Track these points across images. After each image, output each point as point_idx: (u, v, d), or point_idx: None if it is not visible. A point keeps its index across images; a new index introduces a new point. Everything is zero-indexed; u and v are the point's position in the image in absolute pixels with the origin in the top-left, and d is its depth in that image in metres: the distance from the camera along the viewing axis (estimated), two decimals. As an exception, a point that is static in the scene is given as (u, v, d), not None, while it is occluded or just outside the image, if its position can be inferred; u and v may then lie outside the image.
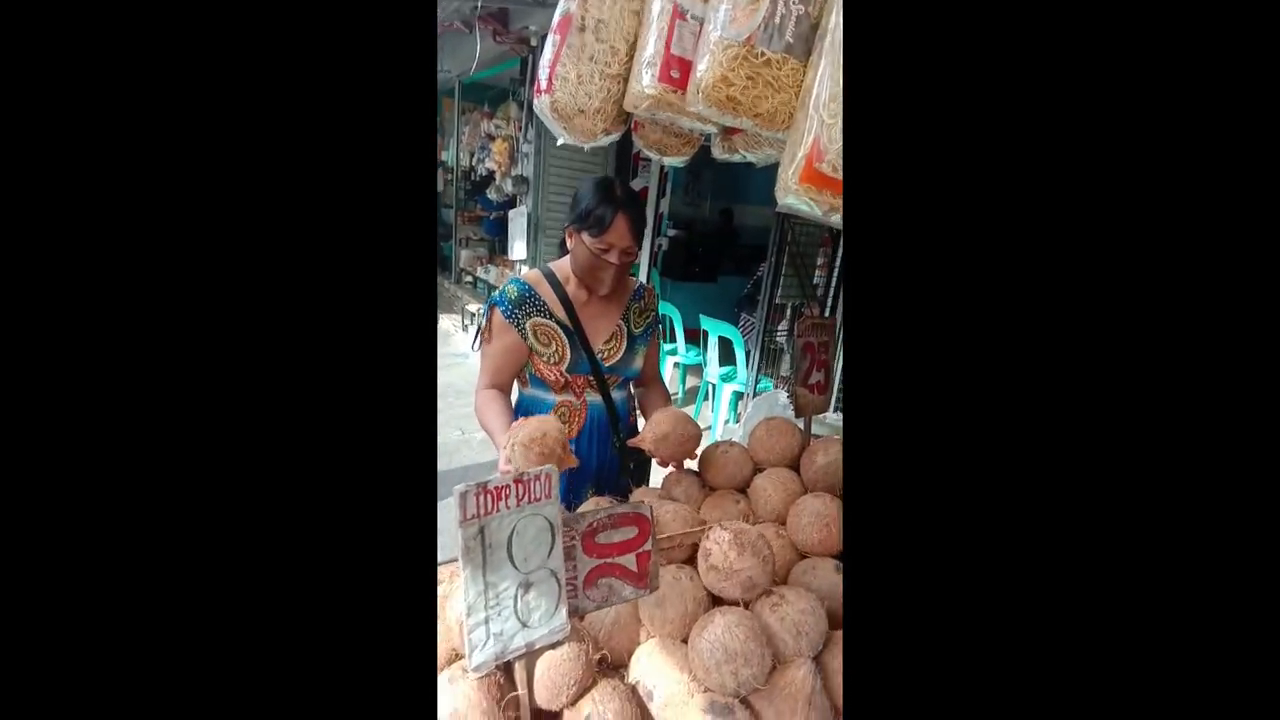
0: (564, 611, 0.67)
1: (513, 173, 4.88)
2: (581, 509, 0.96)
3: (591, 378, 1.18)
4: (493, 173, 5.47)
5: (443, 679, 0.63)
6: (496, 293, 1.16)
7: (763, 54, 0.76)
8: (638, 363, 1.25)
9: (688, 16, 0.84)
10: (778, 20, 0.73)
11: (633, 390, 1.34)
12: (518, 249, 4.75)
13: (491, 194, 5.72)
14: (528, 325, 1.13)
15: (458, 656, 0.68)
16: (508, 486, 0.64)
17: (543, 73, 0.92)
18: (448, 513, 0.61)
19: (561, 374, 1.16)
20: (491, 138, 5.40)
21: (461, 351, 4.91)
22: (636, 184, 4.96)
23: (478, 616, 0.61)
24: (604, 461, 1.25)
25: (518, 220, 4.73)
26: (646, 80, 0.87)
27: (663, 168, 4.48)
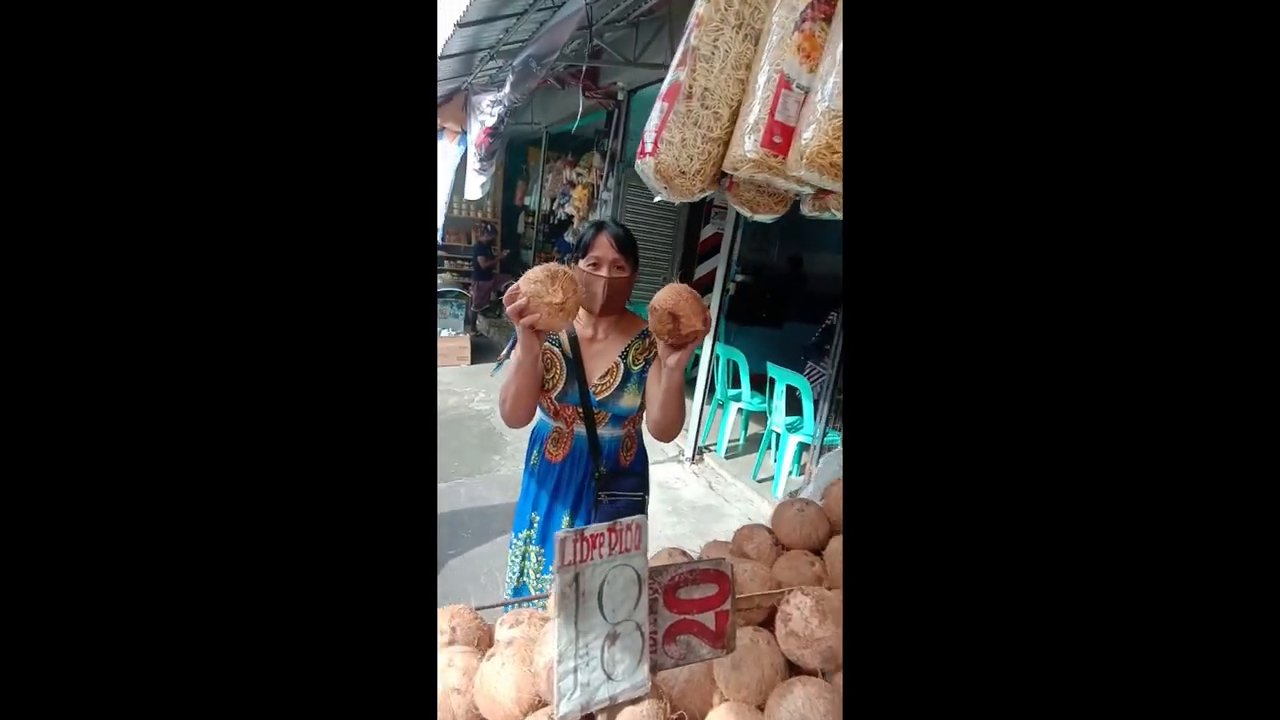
0: (646, 667, 0.66)
1: (590, 218, 5.09)
2: (657, 560, 0.96)
3: (580, 409, 1.22)
4: (571, 217, 5.73)
5: (527, 724, 0.64)
6: None
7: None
8: (629, 400, 1.23)
9: (793, 86, 0.87)
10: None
11: (639, 427, 1.32)
12: (590, 290, 4.90)
13: (569, 237, 5.97)
14: (546, 349, 1.21)
15: (542, 703, 0.68)
16: (601, 534, 0.66)
17: (648, 137, 0.98)
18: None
19: (552, 401, 1.22)
20: (572, 184, 5.68)
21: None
22: (707, 231, 5.06)
23: (567, 665, 0.61)
24: (581, 492, 1.27)
25: (592, 262, 4.90)
26: (749, 145, 0.90)
27: (737, 215, 4.55)
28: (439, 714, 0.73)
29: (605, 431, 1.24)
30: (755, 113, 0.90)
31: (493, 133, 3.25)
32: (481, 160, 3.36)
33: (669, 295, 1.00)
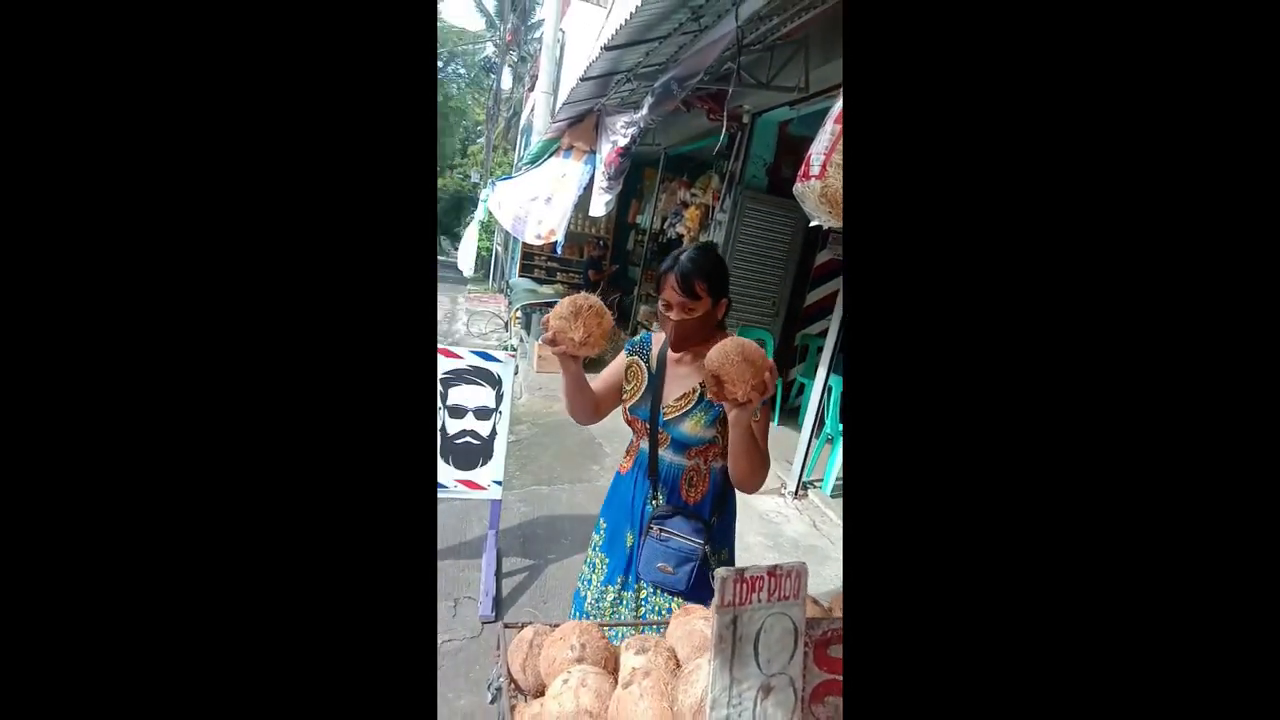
0: (799, 729, 0.61)
1: (701, 238, 5.10)
2: (811, 613, 0.89)
3: (647, 425, 1.20)
4: (681, 236, 5.77)
5: (669, 767, 0.60)
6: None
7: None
8: (692, 429, 1.16)
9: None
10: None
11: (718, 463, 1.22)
12: (697, 310, 4.90)
13: (678, 256, 6.02)
14: (629, 362, 1.25)
15: (682, 745, 0.65)
16: (761, 577, 0.62)
17: (815, 160, 0.94)
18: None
19: (626, 410, 1.24)
20: (685, 205, 5.73)
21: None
22: (823, 256, 4.90)
23: (720, 713, 0.58)
24: (641, 508, 1.23)
25: (701, 283, 4.90)
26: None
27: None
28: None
29: (666, 455, 1.20)
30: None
31: (623, 152, 3.35)
32: (609, 179, 3.47)
33: (716, 355, 0.93)
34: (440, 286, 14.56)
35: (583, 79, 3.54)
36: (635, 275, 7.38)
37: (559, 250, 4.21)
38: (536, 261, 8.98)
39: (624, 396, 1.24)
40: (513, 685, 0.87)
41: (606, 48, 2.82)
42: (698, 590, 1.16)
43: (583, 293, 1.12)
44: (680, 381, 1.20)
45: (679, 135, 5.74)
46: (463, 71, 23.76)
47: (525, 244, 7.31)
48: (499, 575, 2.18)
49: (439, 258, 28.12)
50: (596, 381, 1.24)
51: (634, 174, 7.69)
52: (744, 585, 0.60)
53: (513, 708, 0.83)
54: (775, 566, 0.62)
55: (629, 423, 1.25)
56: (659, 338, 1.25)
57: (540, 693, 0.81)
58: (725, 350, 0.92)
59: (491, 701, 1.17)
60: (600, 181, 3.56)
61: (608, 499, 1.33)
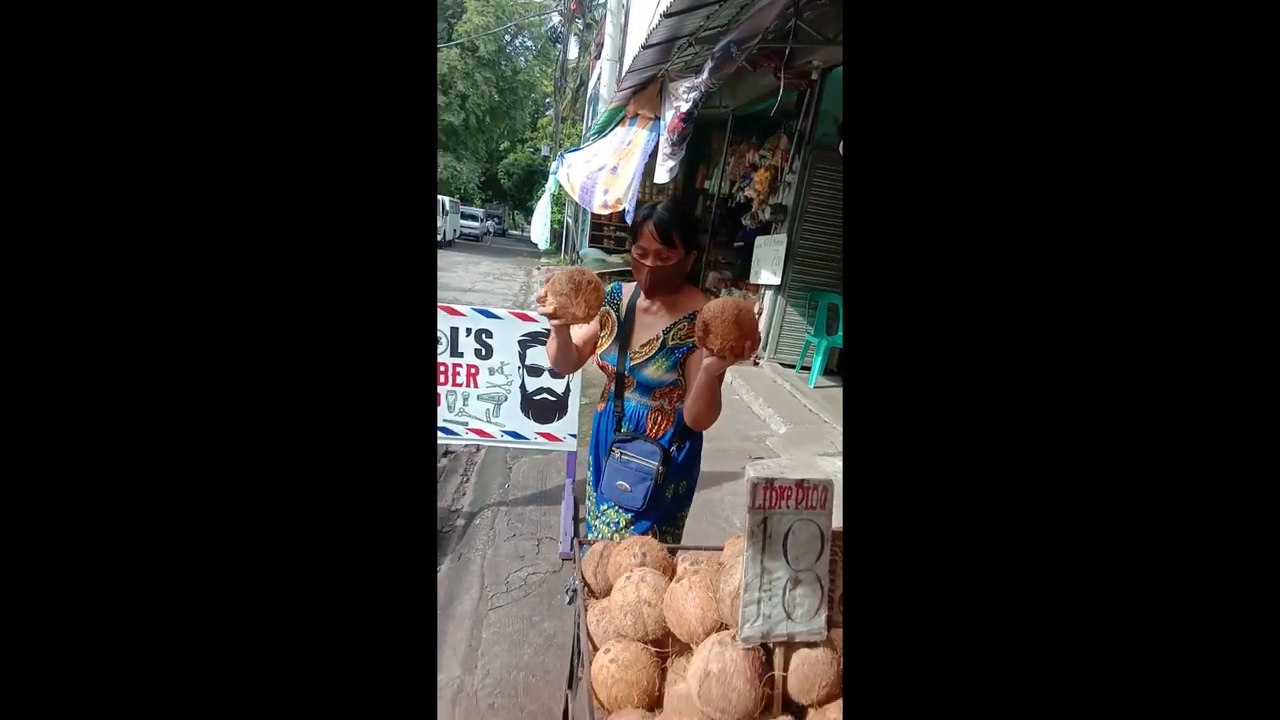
0: (824, 616, 0.72)
1: (771, 201, 5.02)
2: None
3: (615, 369, 1.29)
4: (750, 200, 5.70)
5: (711, 640, 0.73)
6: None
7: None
8: (654, 373, 1.25)
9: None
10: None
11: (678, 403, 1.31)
12: (765, 275, 4.86)
13: (746, 220, 5.96)
14: (603, 313, 1.32)
15: (723, 626, 0.77)
16: (789, 488, 0.72)
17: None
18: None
19: (598, 357, 1.33)
20: (755, 167, 5.63)
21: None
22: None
23: (752, 595, 0.69)
24: (605, 447, 1.34)
25: (769, 246, 4.85)
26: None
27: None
28: (630, 621, 0.86)
29: (633, 398, 1.30)
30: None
31: (686, 118, 3.37)
32: (673, 145, 3.51)
33: (714, 307, 1.03)
34: (515, 259, 15.07)
35: (644, 46, 3.56)
36: (703, 242, 7.37)
37: (628, 219, 4.29)
38: (605, 232, 9.16)
39: (600, 344, 1.33)
40: (586, 588, 1.03)
41: (666, 14, 2.84)
42: (651, 510, 1.29)
43: (577, 267, 1.20)
44: (646, 329, 1.29)
45: (746, 96, 5.61)
46: (530, 44, 23.94)
47: (594, 215, 7.45)
48: (576, 518, 2.38)
49: (513, 231, 28.77)
50: (577, 335, 1.32)
51: (701, 139, 7.58)
52: (773, 492, 0.70)
53: (585, 605, 0.99)
54: (803, 480, 0.72)
55: (601, 368, 1.34)
56: (629, 288, 1.34)
57: (608, 593, 0.96)
58: (724, 306, 1.03)
59: (569, 602, 1.35)
60: (664, 148, 3.60)
61: (591, 438, 1.44)
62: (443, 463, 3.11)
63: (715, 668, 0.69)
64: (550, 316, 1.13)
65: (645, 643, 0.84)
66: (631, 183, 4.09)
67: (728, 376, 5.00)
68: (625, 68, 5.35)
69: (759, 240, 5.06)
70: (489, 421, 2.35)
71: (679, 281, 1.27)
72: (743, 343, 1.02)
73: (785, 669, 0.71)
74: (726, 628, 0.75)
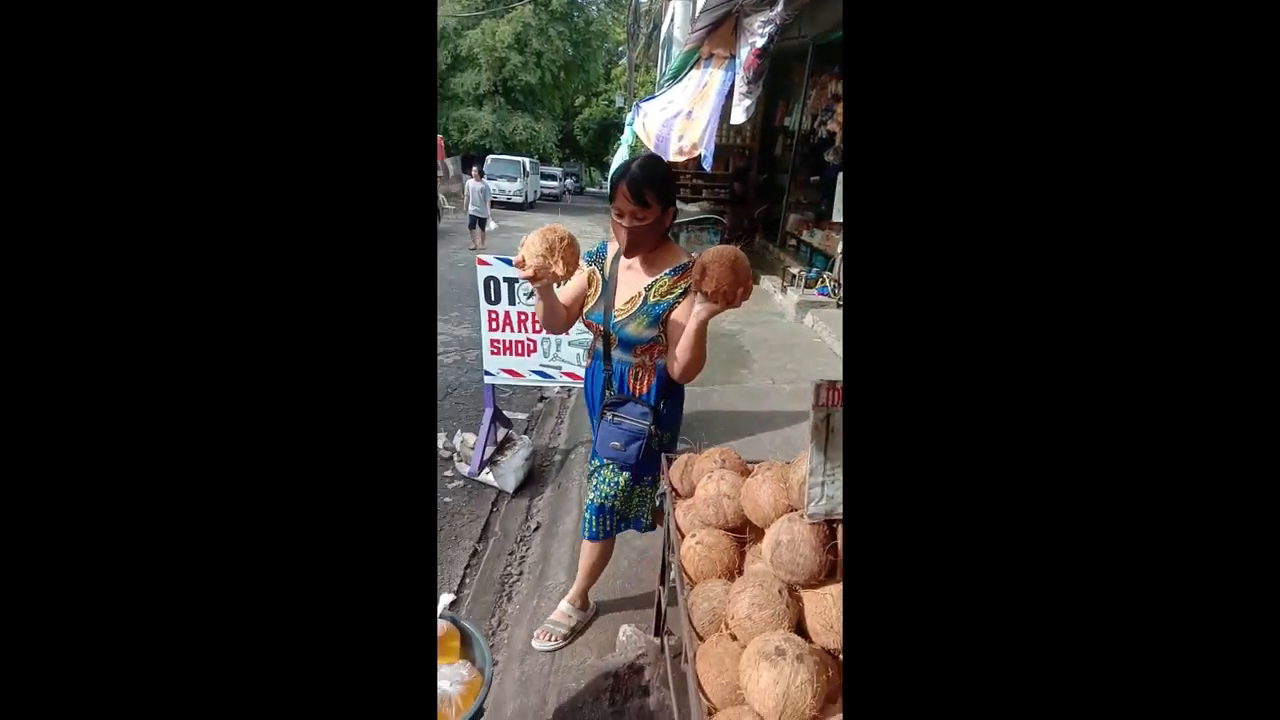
0: (882, 500, 0.81)
1: (855, 134, 4.77)
2: None
3: (600, 327, 1.32)
4: (833, 135, 5.43)
5: (783, 518, 0.85)
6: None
7: None
8: (635, 329, 1.27)
9: None
10: None
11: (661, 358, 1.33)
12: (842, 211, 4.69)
13: (829, 156, 5.70)
14: (589, 272, 1.35)
15: (792, 508, 0.89)
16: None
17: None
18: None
19: (584, 315, 1.36)
20: (838, 99, 5.34)
21: (778, 310, 5.17)
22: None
23: (816, 478, 0.80)
24: (599, 399, 1.40)
25: (853, 183, 4.65)
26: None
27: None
28: (712, 511, 1.00)
29: (617, 354, 1.34)
30: None
31: (761, 54, 3.27)
32: (749, 83, 3.43)
33: (713, 252, 1.07)
34: (594, 216, 15.25)
35: (717, -19, 3.46)
36: (783, 183, 7.12)
37: (708, 165, 4.26)
38: (682, 180, 9.04)
39: (587, 302, 1.38)
40: (674, 491, 1.18)
41: (739, -56, 2.74)
42: (644, 465, 1.37)
43: (549, 225, 1.20)
44: (627, 287, 1.32)
45: (826, 23, 5.27)
46: (601, -9, 23.34)
47: (670, 162, 7.38)
48: (485, 443, 2.55)
49: (590, 189, 28.75)
50: (564, 295, 1.37)
51: (779, 74, 7.23)
52: (834, 392, 0.79)
53: (674, 505, 1.14)
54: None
55: (587, 325, 1.39)
56: (613, 246, 1.35)
57: (692, 495, 1.10)
58: (722, 252, 1.09)
59: (659, 505, 1.52)
60: (740, 87, 3.53)
61: (585, 396, 1.51)
62: (539, 406, 3.39)
63: (786, 538, 0.81)
64: (531, 279, 1.16)
65: (725, 530, 0.98)
66: (708, 126, 4.05)
67: (808, 319, 4.92)
68: (699, 7, 5.18)
69: (842, 176, 4.86)
70: (580, 365, 2.54)
71: (656, 239, 1.28)
72: (735, 288, 1.08)
73: (845, 541, 0.82)
74: (796, 510, 0.86)
